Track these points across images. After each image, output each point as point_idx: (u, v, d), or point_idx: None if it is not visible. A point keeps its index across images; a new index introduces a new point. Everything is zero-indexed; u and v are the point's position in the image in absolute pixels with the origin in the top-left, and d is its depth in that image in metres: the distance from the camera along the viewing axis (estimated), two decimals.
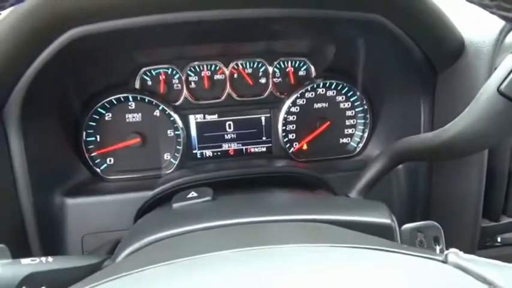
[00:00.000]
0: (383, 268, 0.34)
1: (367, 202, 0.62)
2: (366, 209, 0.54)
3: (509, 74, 0.51)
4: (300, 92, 0.92)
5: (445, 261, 0.34)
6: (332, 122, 0.94)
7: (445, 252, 0.35)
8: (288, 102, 0.92)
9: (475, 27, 0.70)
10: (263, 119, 0.93)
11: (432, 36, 0.70)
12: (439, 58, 0.73)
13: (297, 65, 0.92)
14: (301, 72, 0.93)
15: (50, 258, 0.49)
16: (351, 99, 0.94)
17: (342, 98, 0.94)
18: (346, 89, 0.93)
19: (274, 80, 0.92)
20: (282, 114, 0.92)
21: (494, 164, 0.70)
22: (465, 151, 0.60)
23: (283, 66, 0.92)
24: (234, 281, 0.32)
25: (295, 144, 0.95)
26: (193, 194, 0.60)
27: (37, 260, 0.48)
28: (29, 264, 0.47)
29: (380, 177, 0.74)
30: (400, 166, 0.83)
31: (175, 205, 0.58)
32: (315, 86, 0.92)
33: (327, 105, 0.94)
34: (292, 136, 0.94)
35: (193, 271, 0.35)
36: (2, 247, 0.47)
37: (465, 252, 0.34)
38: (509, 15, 0.25)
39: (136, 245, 0.49)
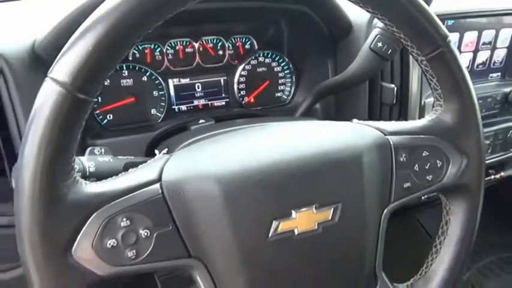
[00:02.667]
0: (309, 126, 0.72)
1: (303, 118, 1.04)
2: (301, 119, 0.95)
3: (368, 36, 0.96)
4: (247, 60, 1.28)
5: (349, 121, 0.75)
6: (270, 82, 1.32)
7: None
8: (240, 68, 1.28)
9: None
10: (222, 80, 1.28)
11: (333, 18, 1.13)
12: (337, 33, 1.17)
13: (244, 40, 1.29)
14: (247, 46, 1.29)
15: (132, 156, 0.79)
16: (282, 65, 1.34)
17: (276, 64, 1.33)
18: (278, 57, 1.32)
19: (229, 52, 1.27)
20: (236, 77, 1.28)
21: (371, 96, 1.17)
22: (353, 84, 1.06)
23: (235, 41, 1.27)
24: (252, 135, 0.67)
25: (246, 99, 1.31)
26: (202, 120, 0.94)
27: (125, 157, 0.78)
28: (124, 158, 0.77)
29: (307, 112, 1.17)
30: (317, 106, 1.26)
31: (193, 127, 0.92)
32: (257, 55, 1.30)
33: (266, 69, 1.32)
34: (243, 93, 1.31)
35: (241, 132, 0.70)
36: (107, 148, 0.76)
37: None
38: (367, 8, 0.65)
39: (184, 143, 0.81)
